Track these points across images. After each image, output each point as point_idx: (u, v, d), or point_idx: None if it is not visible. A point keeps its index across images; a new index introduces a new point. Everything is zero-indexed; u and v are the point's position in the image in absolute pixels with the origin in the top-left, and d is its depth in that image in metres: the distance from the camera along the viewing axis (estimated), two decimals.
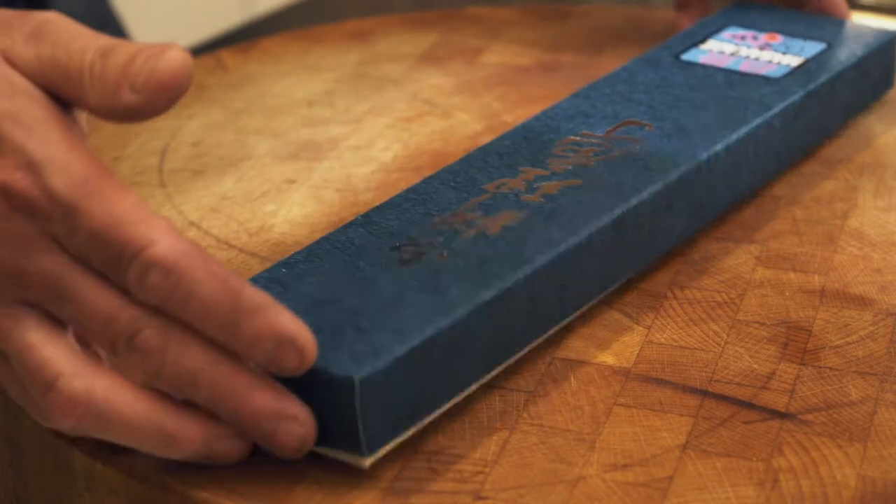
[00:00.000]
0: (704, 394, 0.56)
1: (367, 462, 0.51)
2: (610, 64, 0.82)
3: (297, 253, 0.57)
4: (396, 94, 0.80)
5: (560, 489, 0.51)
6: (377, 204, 0.61)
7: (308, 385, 0.50)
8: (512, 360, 0.57)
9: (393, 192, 0.68)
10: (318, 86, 0.82)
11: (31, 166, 0.48)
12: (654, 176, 0.62)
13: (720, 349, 0.59)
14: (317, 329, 0.51)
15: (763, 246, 0.66)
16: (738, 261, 0.65)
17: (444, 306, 0.53)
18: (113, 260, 0.48)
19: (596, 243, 0.58)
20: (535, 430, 0.54)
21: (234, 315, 0.48)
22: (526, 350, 0.57)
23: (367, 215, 0.60)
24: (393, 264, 0.56)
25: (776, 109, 0.68)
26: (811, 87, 0.70)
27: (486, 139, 0.64)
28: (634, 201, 0.60)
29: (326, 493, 0.51)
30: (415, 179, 0.69)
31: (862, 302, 0.62)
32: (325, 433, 0.51)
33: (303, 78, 0.83)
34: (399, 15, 0.92)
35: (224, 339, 0.49)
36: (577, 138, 0.65)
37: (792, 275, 0.64)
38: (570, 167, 0.62)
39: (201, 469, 0.52)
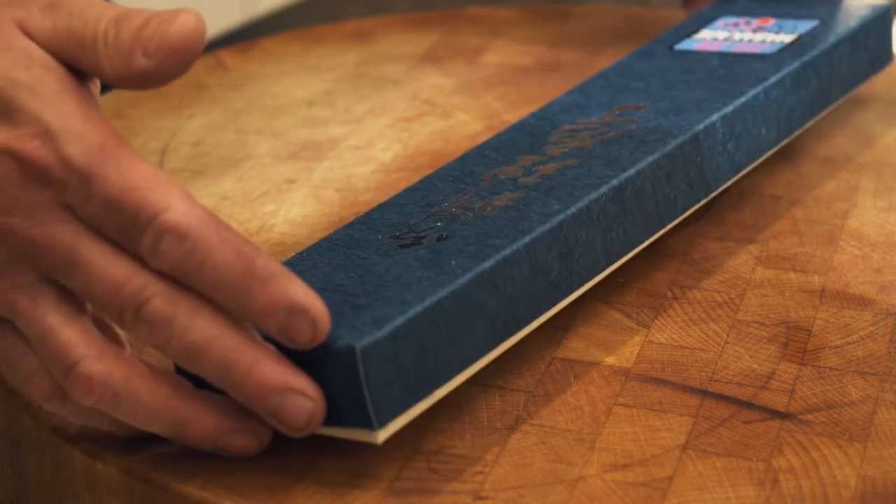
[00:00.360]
0: (704, 394, 0.56)
1: (381, 437, 0.50)
2: (610, 64, 0.82)
3: (299, 253, 0.57)
4: (396, 94, 0.80)
5: (560, 489, 0.51)
6: (377, 204, 0.61)
7: (311, 364, 0.50)
8: (522, 334, 0.56)
9: (393, 192, 0.68)
10: (318, 86, 0.82)
11: (48, 135, 0.49)
12: (651, 147, 0.62)
13: (720, 349, 0.59)
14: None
15: (763, 246, 0.66)
16: (738, 261, 0.65)
17: (444, 277, 0.53)
18: (127, 226, 0.48)
19: (596, 213, 0.58)
20: (535, 430, 0.54)
21: (247, 282, 0.48)
22: (536, 325, 0.57)
23: (366, 214, 0.60)
24: (392, 249, 0.56)
25: (771, 80, 0.68)
26: (805, 58, 0.70)
27: (486, 139, 0.64)
28: (632, 171, 0.60)
29: (326, 493, 0.51)
30: (415, 179, 0.69)
31: (862, 302, 0.62)
32: (335, 412, 0.50)
33: (303, 78, 0.83)
34: (399, 15, 0.92)
35: (236, 306, 0.49)
36: (573, 126, 0.65)
37: (792, 275, 0.64)
38: (568, 150, 0.62)
39: (201, 469, 0.52)
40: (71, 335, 0.50)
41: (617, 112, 0.66)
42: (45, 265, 0.50)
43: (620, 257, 0.60)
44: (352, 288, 0.53)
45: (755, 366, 0.58)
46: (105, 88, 0.86)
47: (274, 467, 0.52)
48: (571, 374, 0.57)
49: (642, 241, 0.61)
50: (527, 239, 0.55)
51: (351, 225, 0.59)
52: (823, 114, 0.73)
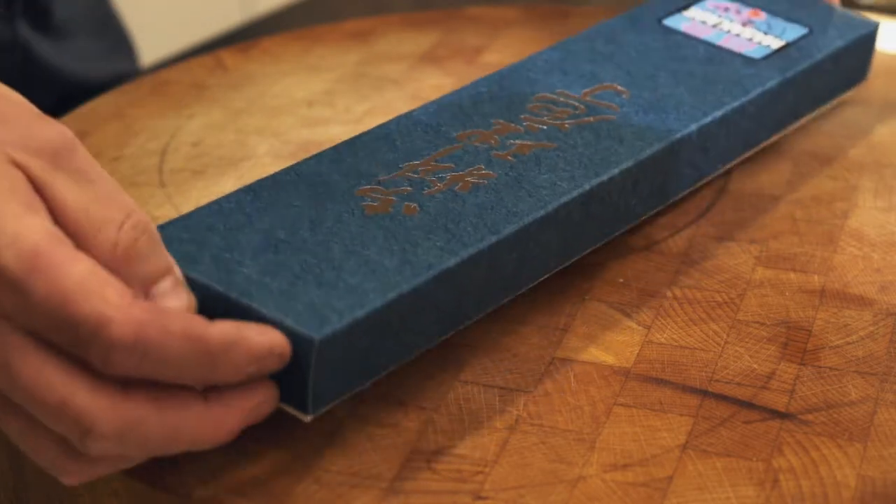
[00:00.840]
0: (704, 394, 0.56)
1: (308, 418, 0.51)
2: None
3: (264, 179, 0.57)
4: (396, 94, 0.80)
5: (560, 489, 0.51)
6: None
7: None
8: (462, 327, 0.56)
9: None
10: (318, 86, 0.82)
11: None
12: (627, 152, 0.61)
13: (720, 349, 0.59)
14: (278, 270, 0.51)
15: (763, 246, 0.66)
16: (738, 261, 0.65)
17: (408, 269, 0.53)
18: (70, 340, 0.46)
19: (561, 216, 0.58)
20: (535, 430, 0.54)
21: (207, 359, 0.47)
22: (475, 319, 0.57)
23: (335, 149, 0.59)
24: (358, 209, 0.55)
25: (752, 94, 0.68)
26: (789, 74, 0.70)
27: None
28: (605, 177, 0.60)
29: (326, 493, 0.51)
30: None
31: (862, 302, 0.62)
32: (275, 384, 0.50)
33: (303, 78, 0.83)
34: (399, 15, 0.92)
35: (204, 382, 0.48)
36: (553, 96, 0.65)
37: (792, 275, 0.64)
38: (544, 128, 0.62)
39: (201, 469, 0.52)
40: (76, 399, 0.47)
41: (598, 91, 0.65)
42: None
43: (572, 258, 0.60)
44: (315, 253, 0.53)
45: (755, 366, 0.58)
46: (104, 88, 0.86)
47: (274, 467, 0.52)
48: (571, 374, 0.57)
49: (595, 244, 0.61)
50: (493, 240, 0.55)
51: (319, 158, 0.58)
52: (789, 129, 0.73)
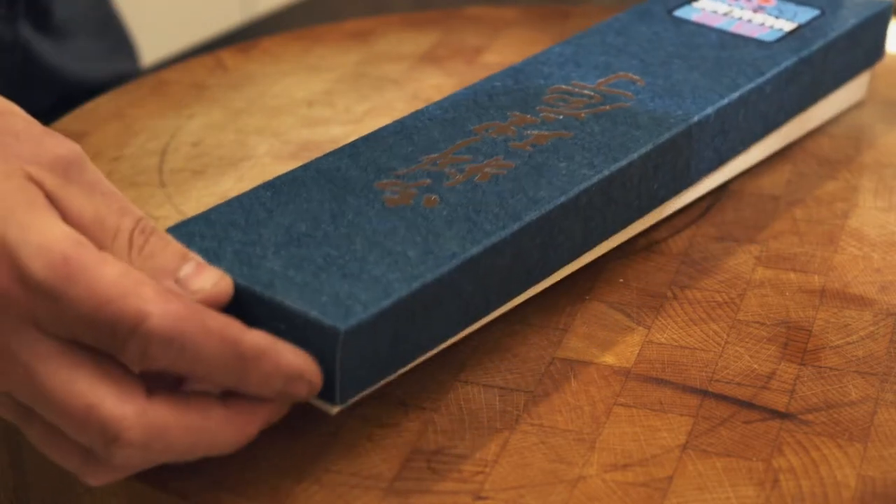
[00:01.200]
0: (704, 394, 0.56)
1: (336, 410, 0.51)
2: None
3: (282, 175, 0.57)
4: (396, 94, 0.80)
5: (560, 489, 0.51)
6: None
7: (290, 326, 0.50)
8: (490, 318, 0.56)
9: None
10: (318, 86, 0.82)
11: (4, 249, 0.47)
12: (645, 136, 0.61)
13: (720, 349, 0.59)
14: (301, 263, 0.51)
15: (763, 246, 0.66)
16: (738, 261, 0.65)
17: (431, 260, 0.53)
18: (107, 339, 0.47)
19: (583, 203, 0.58)
20: (535, 430, 0.54)
21: (239, 364, 0.48)
22: (502, 310, 0.57)
23: (353, 144, 0.59)
24: (378, 201, 0.55)
25: (768, 75, 0.68)
26: (804, 53, 0.70)
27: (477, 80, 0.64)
28: (624, 161, 0.60)
29: (326, 493, 0.51)
30: None
31: (862, 302, 0.62)
32: None
33: (303, 78, 0.83)
34: (399, 15, 0.92)
35: (233, 386, 0.49)
36: (568, 87, 0.65)
37: (792, 275, 0.64)
38: (561, 117, 0.62)
39: (201, 469, 0.52)
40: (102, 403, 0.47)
41: (613, 80, 0.66)
42: (13, 394, 0.48)
43: (596, 245, 0.60)
44: (338, 245, 0.53)
45: (755, 366, 0.58)
46: (104, 88, 0.86)
47: (274, 467, 0.52)
48: (571, 374, 0.57)
49: (618, 231, 0.61)
50: (516, 226, 0.55)
51: (336, 154, 0.58)
52: (809, 110, 0.73)
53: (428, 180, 0.57)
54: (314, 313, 0.49)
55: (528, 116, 0.62)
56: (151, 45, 1.93)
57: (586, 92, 0.64)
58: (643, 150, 0.61)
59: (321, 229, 0.54)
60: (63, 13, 0.91)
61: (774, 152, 0.73)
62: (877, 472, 0.52)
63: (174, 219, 0.67)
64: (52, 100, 0.88)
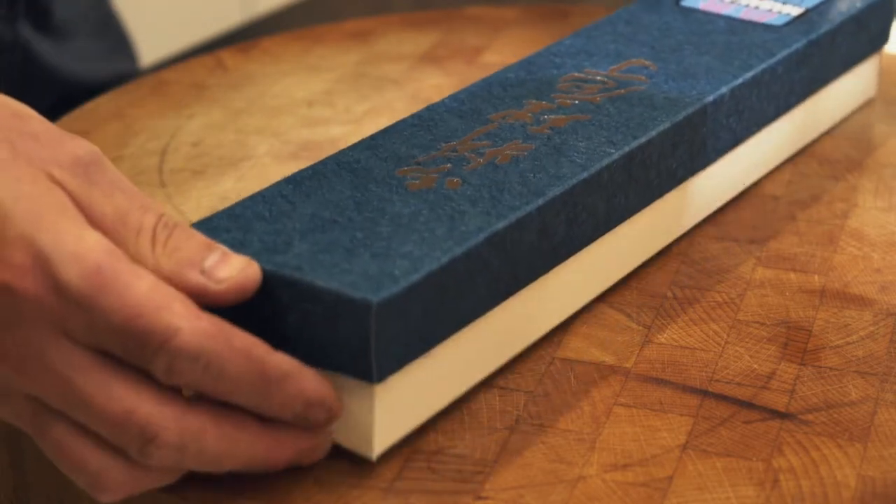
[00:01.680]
0: (704, 394, 0.56)
1: (377, 388, 0.51)
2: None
3: (303, 170, 0.57)
4: (396, 94, 0.80)
5: (560, 489, 0.51)
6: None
7: (322, 306, 0.50)
8: (519, 294, 0.56)
9: None
10: (318, 86, 0.82)
11: (39, 258, 0.47)
12: (662, 115, 0.62)
13: (720, 349, 0.59)
14: (329, 247, 0.51)
15: (763, 246, 0.66)
16: (738, 261, 0.65)
17: (458, 235, 0.53)
18: (137, 350, 0.47)
19: (605, 179, 0.59)
20: (535, 430, 0.54)
21: (263, 385, 0.48)
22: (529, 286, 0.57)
23: (372, 138, 0.60)
24: (401, 187, 0.56)
25: (780, 56, 0.68)
26: (812, 36, 0.71)
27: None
28: (644, 139, 0.60)
29: (327, 493, 0.51)
30: None
31: (862, 302, 0.62)
32: (337, 358, 0.50)
33: (303, 78, 0.83)
34: (399, 15, 0.92)
35: (255, 406, 0.49)
36: (581, 75, 0.65)
37: (792, 275, 0.64)
38: (577, 102, 0.63)
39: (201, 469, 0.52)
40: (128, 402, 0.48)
41: (625, 67, 0.66)
42: (43, 399, 0.48)
43: (619, 223, 0.60)
44: (364, 228, 0.53)
45: (755, 366, 0.58)
46: (104, 88, 0.86)
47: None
48: (571, 374, 0.57)
49: (640, 208, 0.62)
50: (540, 202, 0.55)
51: (356, 147, 0.59)
52: (818, 94, 0.73)
53: (448, 165, 0.57)
54: (346, 290, 0.49)
55: (544, 103, 0.62)
56: (151, 45, 1.93)
57: (599, 78, 0.65)
58: (661, 128, 0.61)
59: (346, 216, 0.54)
60: (63, 13, 0.91)
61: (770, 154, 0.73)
62: (877, 472, 0.52)
63: (175, 219, 0.67)
64: (52, 100, 0.88)
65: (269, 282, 0.51)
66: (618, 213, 0.60)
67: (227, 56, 0.86)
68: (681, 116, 0.62)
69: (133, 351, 0.47)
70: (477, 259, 0.53)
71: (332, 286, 0.50)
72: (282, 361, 0.49)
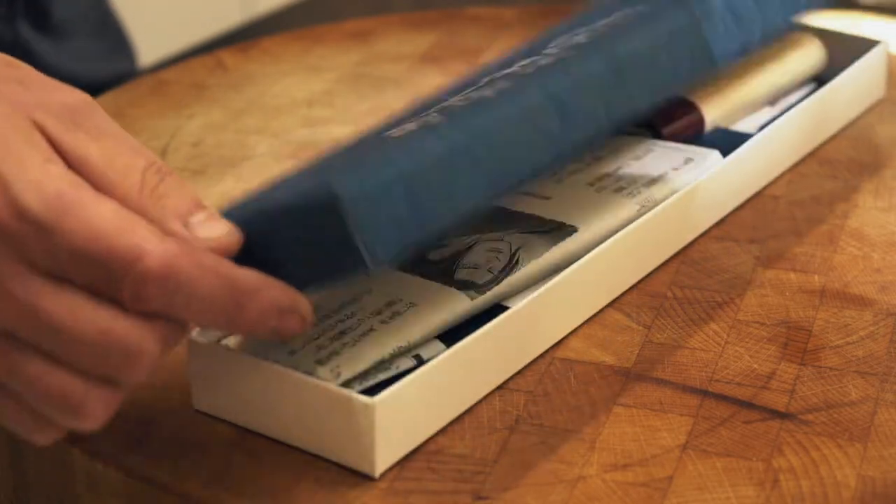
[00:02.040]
0: (704, 394, 0.56)
1: (377, 405, 0.50)
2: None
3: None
4: (396, 94, 0.80)
5: (560, 489, 0.51)
6: None
7: (300, 225, 0.50)
8: (524, 303, 0.56)
9: None
10: (318, 86, 0.82)
11: (0, 186, 0.46)
12: (654, 23, 0.61)
13: (720, 349, 0.59)
14: (304, 180, 0.52)
15: (763, 246, 0.66)
16: (738, 261, 0.65)
17: (434, 135, 0.52)
18: (102, 277, 0.46)
19: (594, 80, 0.58)
20: (535, 430, 0.54)
21: (235, 300, 0.47)
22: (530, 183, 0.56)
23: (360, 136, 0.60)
24: (383, 133, 0.56)
25: None
26: None
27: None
28: (629, 45, 0.59)
29: (327, 493, 0.51)
30: None
31: (862, 302, 0.62)
32: (329, 261, 0.50)
33: (303, 78, 0.83)
34: (399, 15, 0.92)
35: (226, 325, 0.48)
36: (573, 32, 0.65)
37: (792, 275, 0.64)
38: (567, 46, 0.62)
39: (201, 469, 0.52)
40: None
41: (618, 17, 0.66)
42: (14, 332, 0.47)
43: (615, 127, 0.59)
44: (342, 157, 0.54)
45: (755, 366, 0.58)
46: (104, 88, 0.86)
47: (274, 467, 0.52)
48: (571, 374, 0.57)
49: (638, 112, 0.60)
50: (521, 100, 0.55)
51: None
52: (830, 113, 0.72)
53: (435, 114, 0.56)
54: (312, 194, 0.49)
55: (534, 57, 0.62)
56: (151, 45, 1.93)
57: (590, 28, 0.65)
58: (647, 35, 0.60)
59: (332, 157, 0.55)
60: (62, 13, 0.91)
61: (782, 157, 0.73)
62: (877, 472, 0.52)
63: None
64: None
65: (250, 226, 0.50)
66: (616, 116, 0.59)
67: (227, 56, 0.86)
68: (672, 24, 0.61)
69: (98, 277, 0.46)
70: (459, 152, 0.52)
71: (300, 200, 0.49)
72: (250, 275, 0.48)
